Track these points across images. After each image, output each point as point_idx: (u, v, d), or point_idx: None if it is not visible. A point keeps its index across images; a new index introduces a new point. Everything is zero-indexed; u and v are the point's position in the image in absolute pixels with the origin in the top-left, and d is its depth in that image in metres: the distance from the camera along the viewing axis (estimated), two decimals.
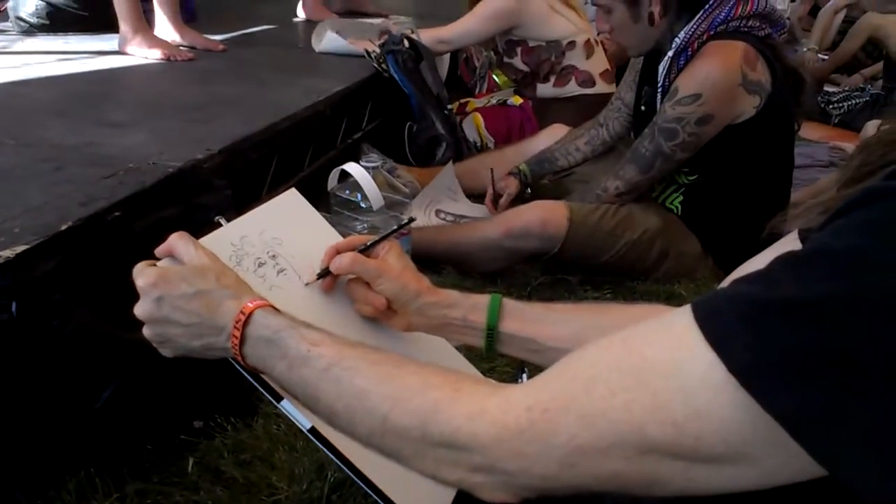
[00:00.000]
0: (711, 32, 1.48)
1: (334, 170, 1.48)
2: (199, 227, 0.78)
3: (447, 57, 2.81)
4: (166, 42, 2.14)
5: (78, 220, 0.99)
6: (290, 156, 1.71)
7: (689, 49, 1.49)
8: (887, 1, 3.63)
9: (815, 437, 0.36)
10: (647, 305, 0.95)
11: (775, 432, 0.37)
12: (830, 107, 3.29)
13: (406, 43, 2.27)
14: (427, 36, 2.37)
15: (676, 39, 1.50)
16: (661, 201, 1.68)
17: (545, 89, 2.45)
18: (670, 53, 1.51)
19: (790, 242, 0.56)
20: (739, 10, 1.47)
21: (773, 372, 0.37)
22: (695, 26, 1.48)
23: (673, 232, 1.63)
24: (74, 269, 0.97)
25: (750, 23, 1.48)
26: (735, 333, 0.38)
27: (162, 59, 2.05)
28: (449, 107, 2.39)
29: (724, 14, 1.47)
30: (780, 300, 0.37)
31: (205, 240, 0.75)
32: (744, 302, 0.39)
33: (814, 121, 3.28)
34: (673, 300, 1.53)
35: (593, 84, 2.41)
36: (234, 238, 0.79)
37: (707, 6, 1.48)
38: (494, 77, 2.71)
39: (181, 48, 2.16)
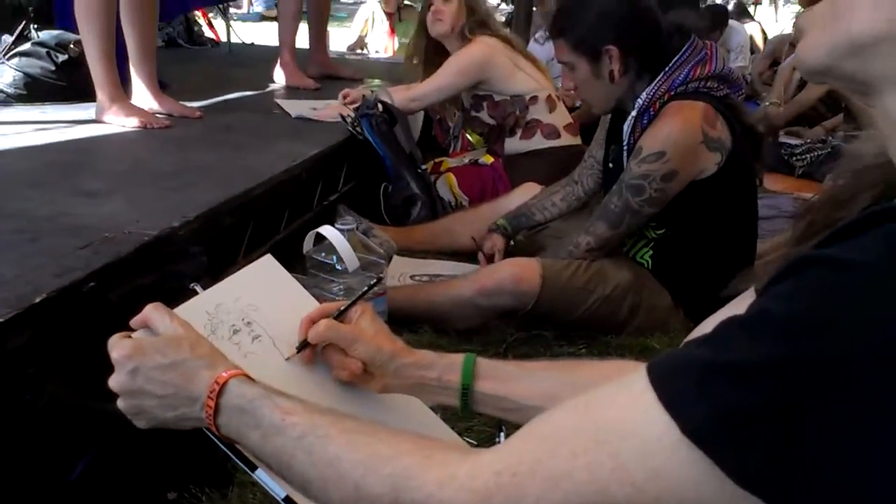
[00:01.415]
0: (672, 93, 1.55)
1: (310, 233, 1.50)
2: (175, 294, 0.80)
3: (420, 117, 2.90)
4: (143, 110, 2.18)
5: (52, 292, 1.00)
6: (266, 220, 1.73)
7: (652, 109, 1.56)
8: None
9: (768, 489, 0.38)
10: (619, 362, 0.97)
11: (730, 488, 0.39)
12: (794, 159, 3.40)
13: (380, 107, 2.34)
14: (399, 96, 2.44)
15: (639, 100, 1.57)
16: (632, 256, 1.72)
17: (512, 143, 2.52)
18: (634, 113, 1.58)
19: (748, 298, 0.59)
20: (698, 71, 1.54)
21: (724, 431, 0.39)
22: (656, 87, 1.55)
23: (644, 286, 1.67)
24: (48, 342, 0.97)
25: (708, 84, 1.55)
26: (687, 395, 0.41)
27: (139, 126, 2.08)
28: (423, 167, 2.45)
29: (683, 75, 1.54)
30: (726, 363, 0.40)
31: (180, 309, 0.76)
32: (694, 365, 0.42)
33: (778, 172, 3.39)
34: (647, 353, 1.55)
35: (558, 136, 2.48)
36: (210, 306, 0.80)
37: (667, 68, 1.55)
38: (468, 136, 2.78)
39: (158, 116, 2.19)
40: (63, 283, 1.03)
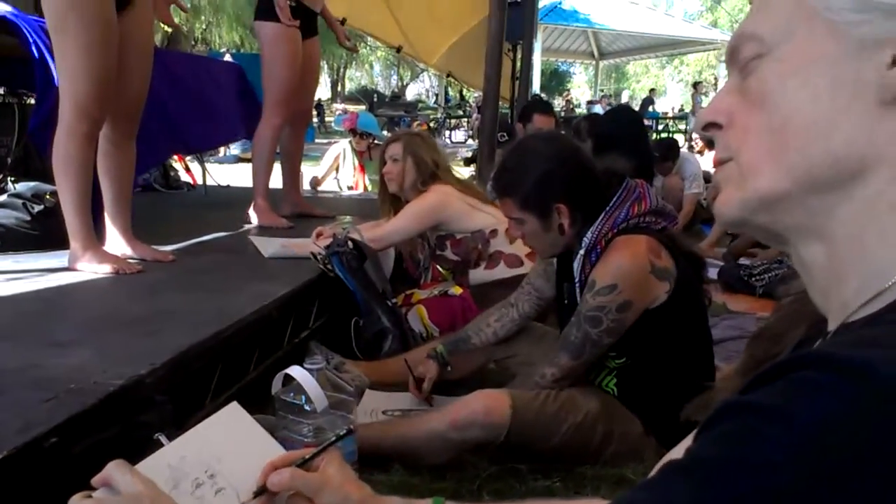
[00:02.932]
0: (615, 230, 1.63)
1: (278, 374, 1.50)
2: (140, 444, 0.80)
3: (392, 252, 2.99)
4: (116, 256, 2.22)
5: (13, 449, 0.99)
6: (236, 361, 1.73)
7: (598, 246, 1.64)
8: None
9: None
10: (588, 501, 0.97)
11: None
12: (753, 279, 3.51)
13: (350, 244, 2.42)
14: (365, 235, 2.54)
15: (585, 239, 1.65)
16: (598, 384, 1.75)
17: (477, 274, 2.61)
18: (582, 252, 1.66)
19: None
20: (636, 209, 1.65)
21: None
22: (599, 226, 1.64)
23: (613, 413, 1.68)
24: (8, 501, 0.95)
25: (647, 219, 1.65)
26: None
27: (111, 273, 2.11)
28: (394, 300, 2.50)
29: (623, 214, 1.64)
30: None
31: (142, 464, 0.76)
32: None
33: (740, 293, 3.49)
34: (622, 484, 1.54)
35: (521, 264, 2.57)
36: (173, 459, 0.80)
37: (608, 208, 1.65)
38: (438, 267, 2.86)
39: (131, 261, 2.24)
40: (25, 439, 1.02)
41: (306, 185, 4.96)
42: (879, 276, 0.47)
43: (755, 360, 0.54)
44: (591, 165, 1.72)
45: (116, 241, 2.32)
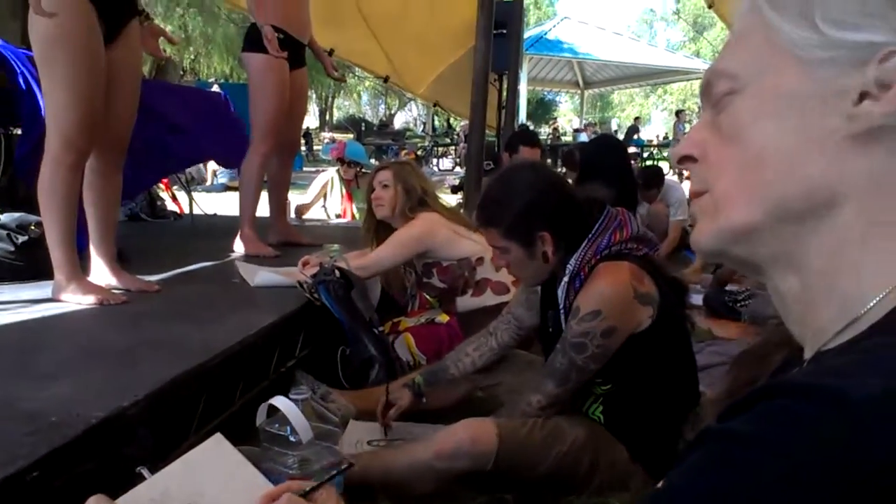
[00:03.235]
0: (598, 257, 1.65)
1: (262, 405, 1.50)
2: (123, 477, 0.79)
3: (379, 280, 2.99)
4: (100, 287, 2.21)
5: None
6: (220, 392, 1.72)
7: (582, 273, 1.65)
8: None
9: None
10: None
11: None
12: (738, 305, 3.54)
13: (336, 272, 2.42)
14: (351, 263, 2.54)
15: (568, 266, 1.67)
16: (585, 412, 1.75)
17: (464, 301, 2.61)
18: (566, 279, 1.67)
19: None
20: (618, 236, 1.67)
21: None
22: (582, 253, 1.66)
23: (600, 441, 1.68)
24: None
25: (629, 245, 1.67)
26: None
27: (95, 304, 2.10)
28: (380, 328, 2.50)
29: (605, 241, 1.66)
30: None
31: (124, 498, 0.76)
32: None
33: (726, 319, 3.51)
34: None
35: (508, 291, 2.58)
36: (155, 493, 0.80)
37: (590, 235, 1.67)
38: (426, 295, 2.86)
39: (115, 292, 2.23)
40: (6, 472, 1.01)
41: (293, 214, 4.97)
42: (852, 305, 0.48)
43: (739, 382, 0.55)
44: (573, 194, 1.75)
45: (101, 272, 2.31)
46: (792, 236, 0.51)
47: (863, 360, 0.43)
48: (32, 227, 2.52)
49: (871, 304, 0.47)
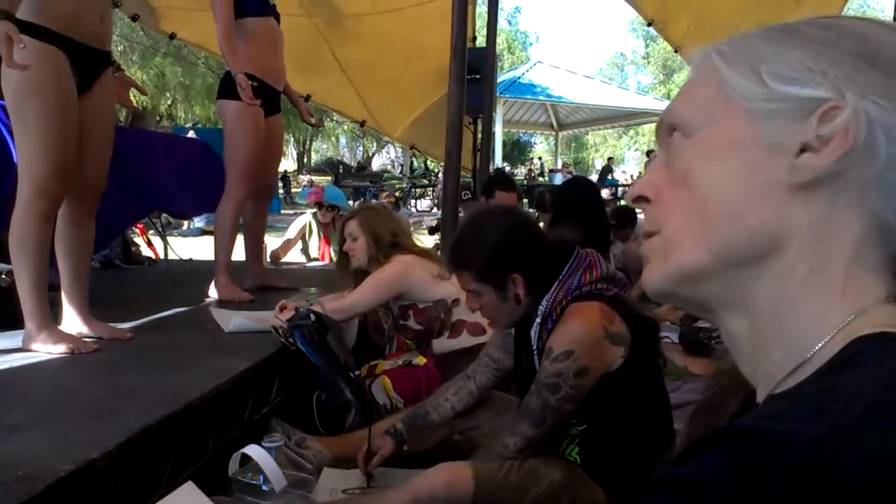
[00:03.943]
0: (569, 298, 1.67)
1: (235, 454, 1.48)
2: None
3: (356, 323, 2.98)
4: (72, 336, 2.19)
5: None
6: (192, 441, 1.70)
7: (554, 314, 1.68)
8: None
9: None
10: None
11: None
12: (713, 342, 3.56)
13: (312, 317, 2.41)
14: (326, 307, 2.54)
15: (540, 307, 1.69)
16: (562, 453, 1.75)
17: (441, 343, 2.61)
18: (538, 320, 1.69)
19: None
20: (588, 277, 1.69)
21: None
22: (554, 294, 1.68)
23: (577, 483, 1.67)
24: None
25: (599, 286, 1.70)
26: None
27: (66, 353, 2.08)
28: (357, 371, 2.48)
29: (576, 282, 1.69)
30: None
31: None
32: None
33: (700, 356, 3.54)
34: None
35: (484, 332, 2.58)
36: None
37: (560, 277, 1.69)
38: (403, 337, 2.86)
39: (87, 340, 2.20)
40: None
41: (269, 259, 4.95)
42: (799, 348, 0.50)
43: (697, 429, 0.56)
44: (543, 236, 1.78)
45: (73, 321, 2.29)
46: (739, 279, 0.52)
47: (808, 403, 0.44)
48: (3, 276, 2.50)
49: (818, 348, 0.49)
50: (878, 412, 0.41)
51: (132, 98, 2.55)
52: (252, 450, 1.39)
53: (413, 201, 17.83)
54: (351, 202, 8.94)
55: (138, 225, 4.89)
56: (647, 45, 34.10)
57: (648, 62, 36.03)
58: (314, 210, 5.50)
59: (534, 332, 1.70)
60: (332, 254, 5.37)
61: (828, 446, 0.39)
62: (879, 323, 0.48)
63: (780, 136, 0.51)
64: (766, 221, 0.51)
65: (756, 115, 0.52)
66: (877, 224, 0.49)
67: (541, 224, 4.12)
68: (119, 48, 12.15)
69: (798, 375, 0.49)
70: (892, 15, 7.24)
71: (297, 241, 5.49)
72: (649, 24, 7.14)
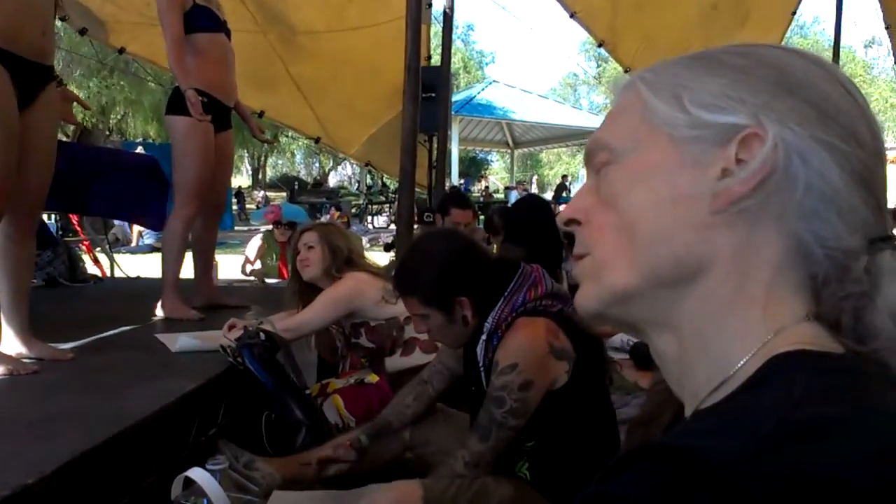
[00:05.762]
0: (514, 314, 1.70)
1: (177, 477, 1.45)
2: None
3: (312, 341, 2.95)
4: (10, 357, 2.12)
5: None
6: (135, 464, 1.66)
7: (499, 331, 1.70)
8: None
9: None
10: None
11: None
12: None
13: (262, 335, 2.38)
14: (277, 325, 2.51)
15: (486, 324, 1.71)
16: (514, 470, 1.76)
17: (393, 361, 2.61)
18: (484, 337, 1.71)
19: None
20: (532, 293, 1.72)
21: None
22: (499, 311, 1.71)
23: (526, 500, 1.68)
24: None
25: (544, 302, 1.72)
26: None
27: (4, 374, 2.01)
28: (308, 390, 2.46)
29: (521, 298, 1.71)
30: None
31: None
32: None
33: (651, 370, 3.59)
34: None
35: (436, 349, 2.58)
36: None
37: (506, 293, 1.72)
38: (356, 355, 2.84)
39: (26, 361, 2.13)
40: None
41: (222, 275, 4.87)
42: (722, 366, 0.51)
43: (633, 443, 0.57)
44: (487, 255, 1.81)
45: (11, 341, 2.21)
46: (666, 300, 0.54)
47: (725, 420, 0.46)
48: None
49: (739, 365, 0.50)
50: (787, 430, 0.42)
51: (76, 114, 2.49)
52: (195, 472, 1.36)
53: (370, 217, 17.78)
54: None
55: (84, 242, 4.77)
56: (598, 66, 34.77)
57: (600, 82, 36.75)
58: (269, 227, 5.44)
59: (480, 350, 1.72)
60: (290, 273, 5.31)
61: (739, 464, 0.41)
62: (797, 341, 0.50)
63: (703, 162, 0.52)
64: (691, 245, 0.52)
65: (679, 141, 0.53)
66: (796, 246, 0.51)
67: (493, 247, 4.15)
68: (62, 64, 11.85)
69: (720, 392, 0.50)
70: (832, 39, 7.55)
71: (258, 258, 5.42)
72: (600, 45, 7.29)
